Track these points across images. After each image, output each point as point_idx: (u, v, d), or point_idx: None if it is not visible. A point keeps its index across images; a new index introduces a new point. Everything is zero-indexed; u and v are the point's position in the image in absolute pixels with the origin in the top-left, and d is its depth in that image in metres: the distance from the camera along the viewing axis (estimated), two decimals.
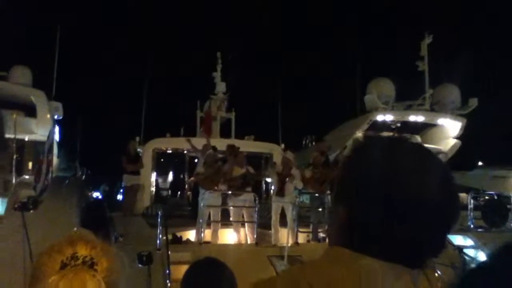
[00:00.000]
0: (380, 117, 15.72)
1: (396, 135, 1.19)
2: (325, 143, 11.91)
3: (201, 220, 9.39)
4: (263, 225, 10.08)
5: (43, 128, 13.28)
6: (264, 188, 14.35)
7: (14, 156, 12.06)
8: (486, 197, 12.66)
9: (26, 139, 13.69)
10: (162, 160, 14.84)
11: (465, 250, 7.81)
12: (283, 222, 9.83)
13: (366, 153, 0.98)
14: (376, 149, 0.97)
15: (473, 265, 0.56)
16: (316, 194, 10.24)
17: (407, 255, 0.89)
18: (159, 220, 8.42)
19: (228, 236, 10.22)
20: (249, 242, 9.60)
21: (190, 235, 9.87)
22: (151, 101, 19.97)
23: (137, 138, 14.55)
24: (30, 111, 14.05)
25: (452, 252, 7.29)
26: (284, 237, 9.53)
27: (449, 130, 16.31)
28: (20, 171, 12.81)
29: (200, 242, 9.09)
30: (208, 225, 9.66)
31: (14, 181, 11.26)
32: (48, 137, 10.09)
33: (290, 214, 9.64)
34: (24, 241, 6.20)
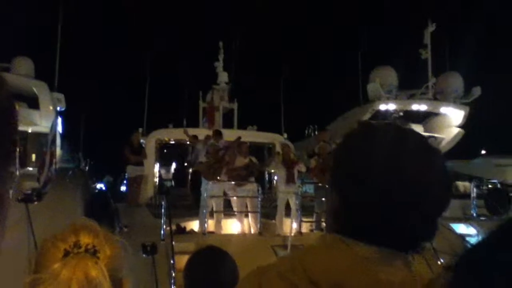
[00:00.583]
0: (383, 106, 15.67)
1: (390, 122, 1.20)
2: (326, 132, 11.89)
3: (204, 211, 9.43)
4: (266, 215, 10.11)
5: (46, 120, 13.28)
6: (267, 178, 14.38)
7: (18, 148, 12.09)
8: (489, 186, 12.65)
9: (29, 131, 13.70)
10: (165, 151, 14.87)
11: (468, 239, 7.83)
12: (286, 212, 9.86)
13: (357, 139, 0.98)
14: (368, 135, 0.98)
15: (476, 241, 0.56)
16: (320, 184, 10.25)
17: (400, 240, 0.90)
18: (162, 210, 8.46)
19: (232, 226, 10.26)
20: (252, 232, 9.64)
21: (194, 225, 9.92)
22: (154, 92, 19.98)
23: (140, 129, 14.56)
24: (32, 102, 14.05)
25: (455, 240, 7.31)
26: (287, 227, 9.57)
27: (452, 119, 16.26)
28: (23, 163, 12.85)
29: (203, 232, 9.13)
30: (211, 215, 9.70)
31: (17, 173, 11.30)
32: (51, 128, 10.11)
33: (293, 204, 9.66)
34: (28, 233, 6.24)
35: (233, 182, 10.17)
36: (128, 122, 18.99)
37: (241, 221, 10.05)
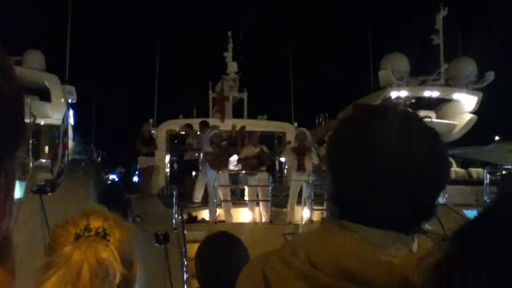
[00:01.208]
0: (394, 93, 15.52)
1: (387, 104, 1.20)
2: (336, 120, 11.82)
3: (215, 200, 9.49)
4: (277, 203, 10.14)
5: (57, 112, 13.41)
6: (278, 167, 14.39)
7: (30, 140, 12.23)
8: (503, 172, 12.52)
9: (42, 123, 13.84)
10: (175, 141, 14.93)
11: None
12: (297, 200, 9.87)
13: (352, 121, 0.99)
14: (363, 117, 0.98)
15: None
16: None
17: (399, 221, 0.90)
18: (174, 200, 8.53)
19: (243, 215, 10.32)
20: (263, 220, 9.68)
21: (205, 214, 9.99)
22: (164, 83, 20.01)
23: (151, 120, 14.62)
24: (44, 95, 14.18)
25: None
26: (299, 215, 9.59)
27: (464, 105, 16.05)
28: (36, 155, 13.01)
29: (214, 221, 9.19)
30: (220, 204, 9.75)
31: (31, 165, 11.44)
32: (63, 120, 10.21)
33: (305, 192, 9.66)
34: (42, 224, 6.34)
35: (244, 171, 10.20)
36: (139, 113, 19.08)
37: (252, 210, 10.10)
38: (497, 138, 18.06)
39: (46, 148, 14.42)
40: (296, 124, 15.27)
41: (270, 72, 22.63)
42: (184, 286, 6.76)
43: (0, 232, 0.50)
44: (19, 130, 0.52)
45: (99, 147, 16.85)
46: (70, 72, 15.12)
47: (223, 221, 9.46)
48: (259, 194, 9.99)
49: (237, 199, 10.58)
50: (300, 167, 9.71)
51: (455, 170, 12.76)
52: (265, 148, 10.86)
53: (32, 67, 14.04)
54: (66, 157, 9.17)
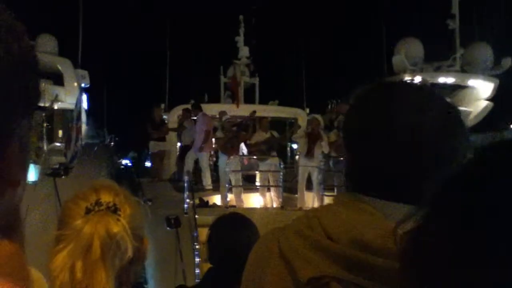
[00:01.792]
0: (408, 79, 15.30)
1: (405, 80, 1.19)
2: (345, 105, 11.74)
3: (226, 185, 9.52)
4: (288, 189, 10.14)
5: (71, 96, 13.51)
6: (289, 152, 14.37)
7: (44, 124, 12.35)
8: None
9: (55, 107, 13.96)
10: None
11: None
12: (308, 186, 9.87)
13: (365, 98, 0.98)
14: (376, 93, 0.98)
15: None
16: (341, 158, 10.16)
17: (416, 195, 0.89)
18: (185, 185, 8.57)
19: (254, 200, 10.35)
20: (274, 206, 9.71)
21: (216, 199, 10.04)
22: (175, 68, 20.01)
23: (162, 105, 14.65)
24: (57, 79, 14.27)
25: None
26: (309, 200, 9.59)
27: (480, 92, 15.77)
28: (50, 138, 13.14)
29: (226, 206, 9.24)
30: (231, 189, 9.79)
31: (45, 148, 11.57)
32: (76, 105, 10.28)
33: (315, 178, 9.65)
34: (56, 207, 6.43)
35: (254, 157, 10.20)
36: (151, 98, 19.13)
37: (264, 195, 10.13)
38: None
39: (60, 132, 14.57)
40: (308, 110, 15.18)
41: (282, 57, 22.47)
42: (195, 269, 6.83)
43: (14, 199, 0.50)
44: (31, 92, 0.51)
45: (112, 132, 16.99)
46: (82, 56, 15.19)
47: (234, 206, 9.51)
48: (270, 180, 10.01)
49: (248, 184, 10.59)
50: (309, 153, 9.68)
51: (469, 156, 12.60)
52: (276, 134, 10.82)
53: (45, 51, 14.11)
54: (79, 141, 9.25)
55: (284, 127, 14.22)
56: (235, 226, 2.19)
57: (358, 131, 0.95)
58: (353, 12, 26.46)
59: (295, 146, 13.50)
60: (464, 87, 15.96)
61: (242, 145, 10.69)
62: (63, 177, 8.12)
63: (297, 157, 13.56)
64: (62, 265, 1.10)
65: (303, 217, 0.98)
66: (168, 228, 6.54)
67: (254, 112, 11.18)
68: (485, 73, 15.43)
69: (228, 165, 9.64)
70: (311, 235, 0.89)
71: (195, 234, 7.33)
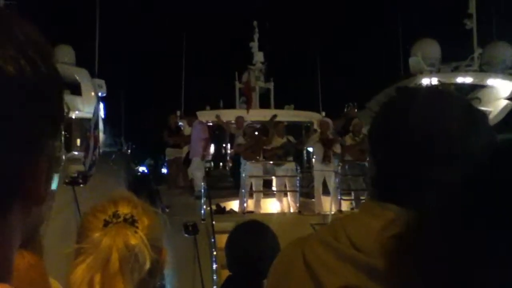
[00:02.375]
0: (425, 80, 15.13)
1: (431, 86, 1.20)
2: (353, 108, 11.74)
3: (243, 190, 9.51)
4: (305, 194, 10.08)
5: (88, 105, 13.70)
6: (305, 157, 14.29)
7: (63, 133, 12.53)
8: None
9: (73, 116, 14.17)
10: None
11: None
12: (325, 191, 9.80)
13: (393, 103, 0.98)
14: (400, 99, 0.98)
15: None
16: (357, 162, 10.05)
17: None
18: (202, 191, 8.57)
19: (271, 206, 10.32)
20: (292, 211, 9.65)
21: (233, 205, 10.04)
22: (191, 74, 20.13)
23: (178, 112, 14.73)
24: (75, 89, 14.48)
25: None
26: (327, 205, 9.51)
27: (500, 91, 15.49)
28: (69, 147, 13.33)
29: (243, 212, 9.22)
30: (251, 195, 9.78)
31: (64, 157, 11.73)
32: (94, 113, 10.41)
33: (332, 182, 9.58)
34: (75, 215, 6.48)
35: (271, 162, 10.18)
36: (167, 105, 19.28)
37: (280, 200, 10.09)
38: None
39: (78, 141, 14.76)
40: (324, 113, 15.09)
41: (297, 61, 22.43)
42: (213, 276, 6.80)
43: (40, 215, 0.52)
44: (58, 112, 0.52)
45: (129, 139, 17.14)
46: (99, 65, 15.40)
47: (252, 212, 9.48)
48: (287, 185, 9.98)
49: (265, 189, 10.57)
50: (326, 159, 9.65)
51: None
52: (292, 139, 10.79)
53: (63, 61, 14.34)
54: (97, 150, 9.35)
55: (300, 131, 14.16)
56: (254, 234, 2.21)
57: (383, 137, 0.95)
58: (368, 13, 26.30)
59: (311, 150, 13.44)
60: (483, 86, 15.70)
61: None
62: (81, 185, 8.19)
63: (313, 161, 13.50)
64: (81, 278, 1.10)
65: (327, 227, 0.99)
66: (186, 235, 6.54)
67: (275, 116, 11.19)
68: (504, 72, 15.17)
69: (250, 170, 9.66)
70: (337, 245, 0.89)
71: (212, 240, 7.32)
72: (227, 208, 9.96)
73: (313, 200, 9.91)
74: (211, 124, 14.61)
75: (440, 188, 0.82)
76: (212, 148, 12.94)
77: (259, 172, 10.03)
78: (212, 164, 16.14)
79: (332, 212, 8.91)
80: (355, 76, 25.14)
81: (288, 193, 9.95)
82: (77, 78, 14.59)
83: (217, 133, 16.29)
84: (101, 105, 13.32)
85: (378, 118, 1.00)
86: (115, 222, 1.16)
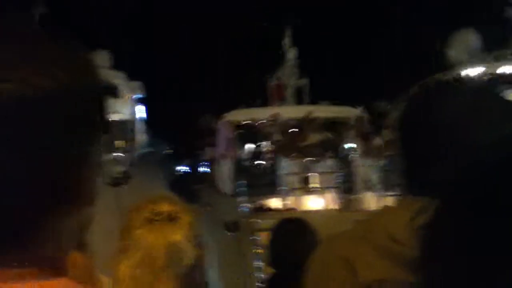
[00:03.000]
0: (466, 72, 14.64)
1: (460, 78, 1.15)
2: (380, 103, 11.57)
3: (283, 188, 9.50)
4: (346, 190, 9.97)
5: (126, 108, 14.01)
6: (344, 152, 14.10)
7: (103, 136, 12.87)
8: None
9: (112, 119, 14.53)
10: (240, 131, 15.07)
11: None
12: (367, 187, 9.65)
13: (424, 97, 1.00)
14: (432, 93, 0.99)
15: None
16: (396, 157, 9.86)
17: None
18: (241, 189, 8.60)
19: (311, 203, 10.26)
20: (333, 207, 9.55)
21: (273, 203, 10.04)
22: (226, 74, 20.28)
23: (208, 113, 14.83)
24: (113, 92, 14.84)
25: None
26: (368, 201, 9.36)
27: None
28: (107, 149, 13.67)
29: (283, 209, 9.21)
30: (290, 192, 9.75)
31: (103, 159, 12.05)
32: (132, 115, 10.64)
33: (373, 178, 9.43)
34: (117, 215, 6.61)
35: (309, 158, 10.13)
36: (202, 105, 19.50)
37: (321, 197, 10.01)
38: None
39: (117, 143, 15.12)
40: (361, 108, 14.84)
41: (332, 56, 22.17)
42: (256, 273, 6.81)
43: (88, 217, 0.57)
44: (100, 119, 0.57)
45: (168, 139, 17.41)
46: (137, 68, 15.73)
47: (292, 209, 9.46)
48: (327, 181, 9.88)
49: (305, 186, 10.54)
50: (365, 153, 9.54)
51: None
52: (329, 135, 10.71)
53: (99, 65, 14.73)
54: (136, 151, 9.54)
55: (337, 127, 13.98)
56: (296, 232, 2.24)
57: (417, 133, 0.97)
58: (402, 3, 25.67)
59: (349, 145, 13.27)
60: None
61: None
62: (122, 186, 8.36)
63: (352, 156, 13.30)
64: (125, 274, 1.14)
65: (363, 221, 1.04)
66: (227, 233, 6.58)
67: (311, 112, 11.13)
68: None
69: (287, 168, 9.65)
70: (375, 239, 0.91)
71: (254, 238, 7.33)
72: (267, 206, 9.97)
73: (354, 196, 9.79)
74: (244, 123, 14.68)
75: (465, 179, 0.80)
76: (245, 147, 12.94)
77: (297, 169, 9.99)
78: (250, 162, 16.22)
79: (374, 208, 8.75)
80: (392, 69, 24.60)
81: (329, 190, 9.85)
82: (115, 81, 14.95)
83: (252, 131, 16.35)
84: (140, 107, 13.60)
85: (411, 111, 1.01)
86: (158, 219, 1.21)
